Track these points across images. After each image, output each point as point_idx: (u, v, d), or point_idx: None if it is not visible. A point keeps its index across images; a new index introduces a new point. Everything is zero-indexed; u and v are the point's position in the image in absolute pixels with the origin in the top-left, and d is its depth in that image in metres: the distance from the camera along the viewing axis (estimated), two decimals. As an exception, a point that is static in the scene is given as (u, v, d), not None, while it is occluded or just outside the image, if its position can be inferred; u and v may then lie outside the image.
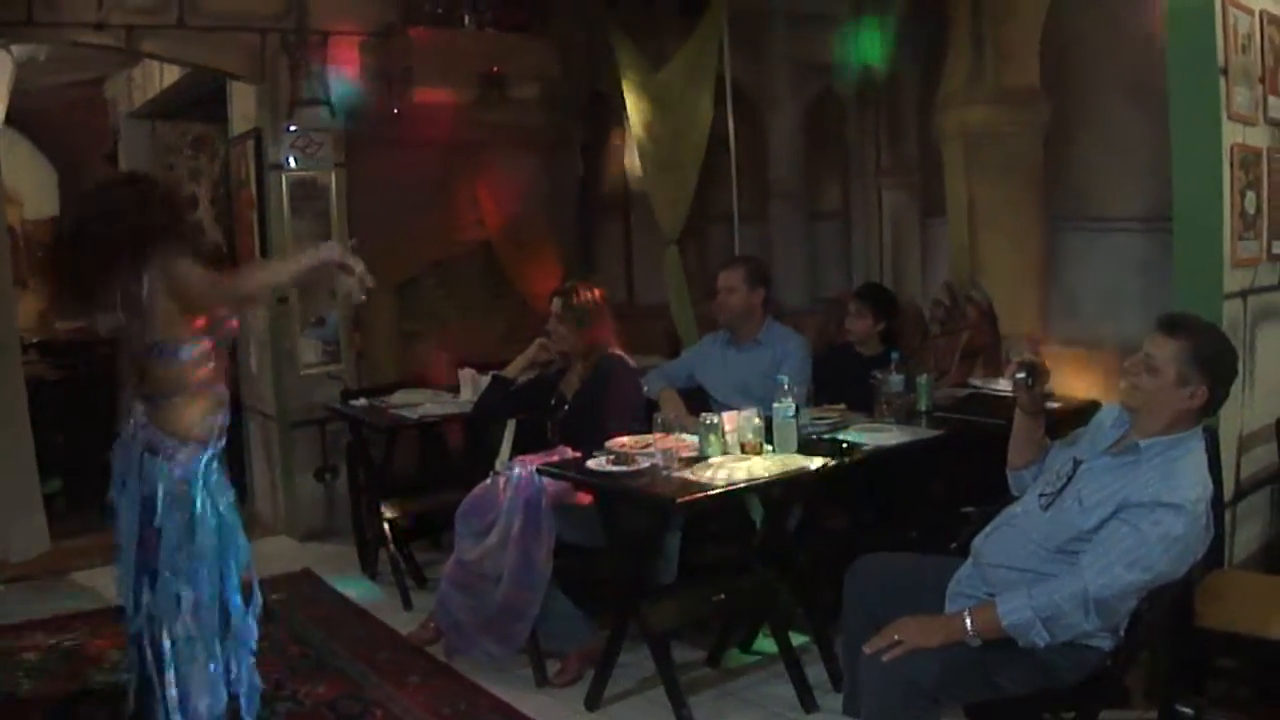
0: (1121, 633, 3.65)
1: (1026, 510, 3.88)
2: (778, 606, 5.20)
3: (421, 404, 7.04)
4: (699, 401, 6.12)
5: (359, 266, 4.43)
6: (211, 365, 4.42)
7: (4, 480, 7.28)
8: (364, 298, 4.47)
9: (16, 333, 7.08)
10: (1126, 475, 3.63)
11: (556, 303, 5.89)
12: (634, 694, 5.24)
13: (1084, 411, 4.97)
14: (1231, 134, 4.76)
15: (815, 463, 4.90)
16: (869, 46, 6.93)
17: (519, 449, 6.01)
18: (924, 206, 6.83)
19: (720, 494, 4.63)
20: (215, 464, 4.42)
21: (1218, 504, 4.01)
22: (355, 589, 6.93)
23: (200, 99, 9.63)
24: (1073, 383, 5.71)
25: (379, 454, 7.15)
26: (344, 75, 8.02)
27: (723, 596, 5.27)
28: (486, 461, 6.18)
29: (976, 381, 6.29)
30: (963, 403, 5.93)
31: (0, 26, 6.99)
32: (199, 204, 12.26)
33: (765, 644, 5.43)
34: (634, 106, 8.47)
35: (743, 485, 4.72)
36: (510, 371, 6.14)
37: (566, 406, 5.87)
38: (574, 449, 5.50)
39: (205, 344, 4.38)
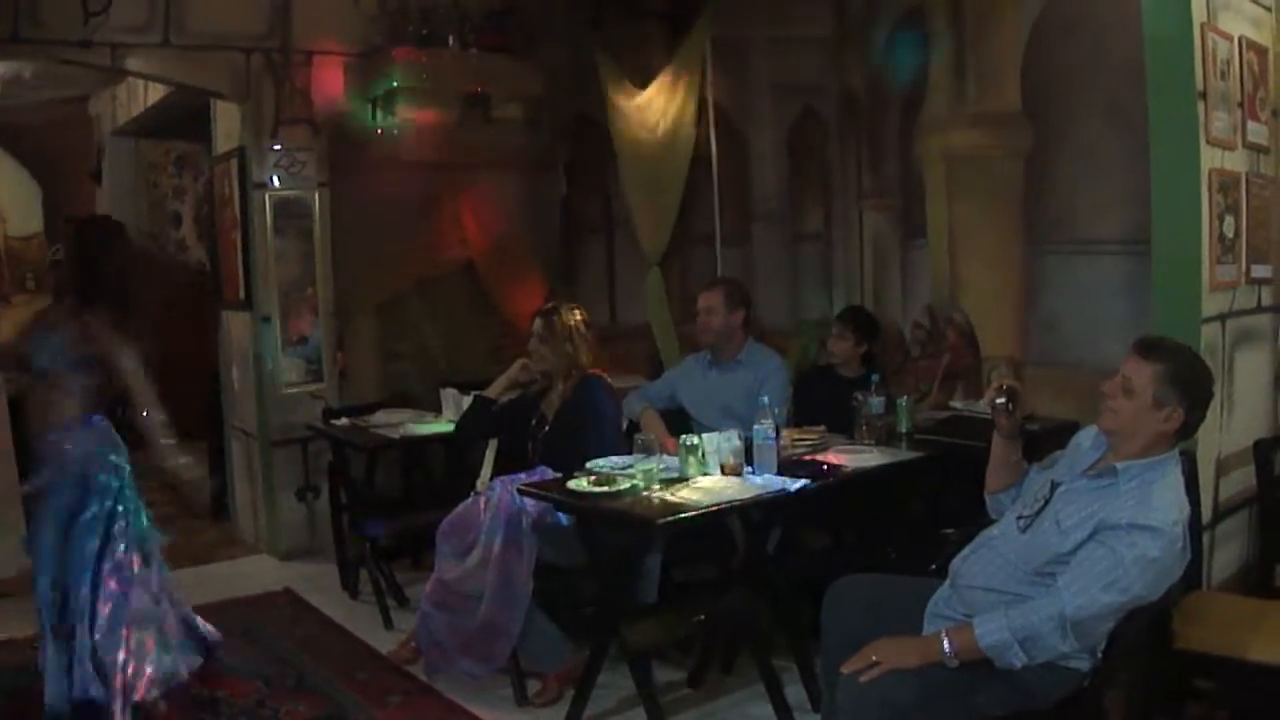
0: (1099, 654, 3.65)
1: (1004, 532, 3.89)
2: (757, 627, 5.21)
3: (403, 423, 7.04)
4: (681, 422, 6.13)
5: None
6: None
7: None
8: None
9: (-3, 348, 7.08)
10: (1104, 498, 3.63)
11: (538, 323, 5.89)
12: (614, 714, 5.24)
13: (1062, 433, 4.98)
14: (1210, 158, 4.78)
15: (795, 484, 4.89)
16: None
17: (500, 469, 6.01)
18: (905, 229, 6.86)
19: (701, 515, 4.62)
20: None
21: (1196, 526, 4.03)
22: (336, 608, 6.92)
23: (184, 117, 9.63)
24: (1051, 404, 5.73)
25: (360, 473, 7.17)
26: (328, 95, 8.05)
27: (703, 617, 5.27)
28: (468, 481, 6.17)
29: (957, 404, 6.31)
30: (943, 425, 5.93)
31: (-15, 44, 6.99)
32: (183, 222, 12.27)
33: (745, 665, 5.43)
34: (617, 127, 8.50)
35: (723, 506, 4.72)
36: (492, 391, 6.14)
37: (547, 427, 5.87)
38: (555, 469, 5.50)
39: None
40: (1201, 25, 4.71)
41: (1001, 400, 4.05)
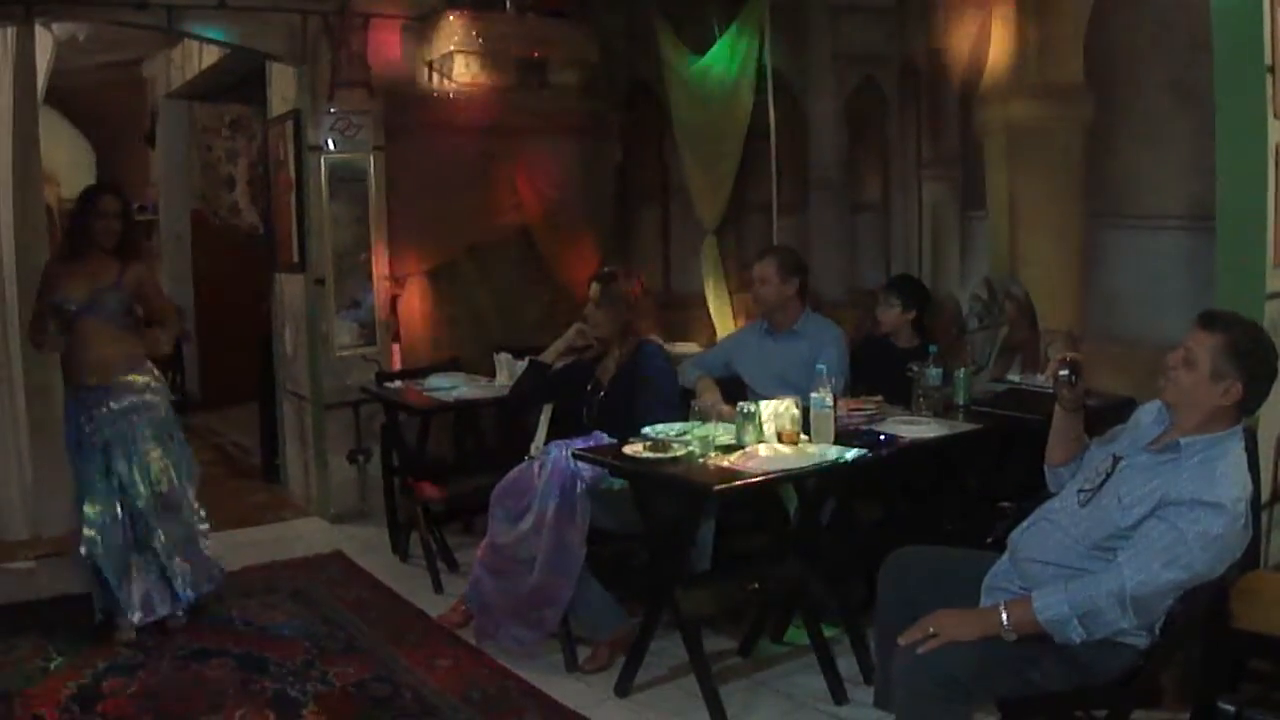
0: (1157, 631, 3.63)
1: (1065, 506, 3.86)
2: (810, 597, 5.19)
3: (456, 387, 7.05)
4: (736, 391, 6.10)
5: None
6: None
7: (40, 459, 7.32)
8: None
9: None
10: (1166, 473, 3.60)
11: (595, 288, 5.90)
12: (665, 681, 5.24)
13: (1120, 409, 4.94)
14: (1277, 132, 4.70)
15: (851, 454, 4.87)
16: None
17: (554, 434, 6.01)
18: (964, 200, 6.79)
19: (756, 483, 4.61)
20: None
21: (1255, 505, 3.99)
22: (386, 571, 6.95)
23: (239, 80, 9.66)
24: (1110, 380, 5.67)
25: (412, 437, 7.18)
26: (385, 58, 8.04)
27: (755, 586, 5.27)
28: (520, 446, 6.19)
29: (1014, 377, 6.26)
30: (1000, 398, 5.89)
31: (42, 5, 6.99)
32: (236, 185, 12.31)
33: (797, 635, 5.43)
34: (674, 95, 8.48)
35: (779, 474, 4.70)
36: (547, 356, 6.14)
37: (603, 392, 5.88)
38: (610, 435, 5.50)
39: None
40: (1271, -3, 4.64)
41: (1064, 373, 4.03)
